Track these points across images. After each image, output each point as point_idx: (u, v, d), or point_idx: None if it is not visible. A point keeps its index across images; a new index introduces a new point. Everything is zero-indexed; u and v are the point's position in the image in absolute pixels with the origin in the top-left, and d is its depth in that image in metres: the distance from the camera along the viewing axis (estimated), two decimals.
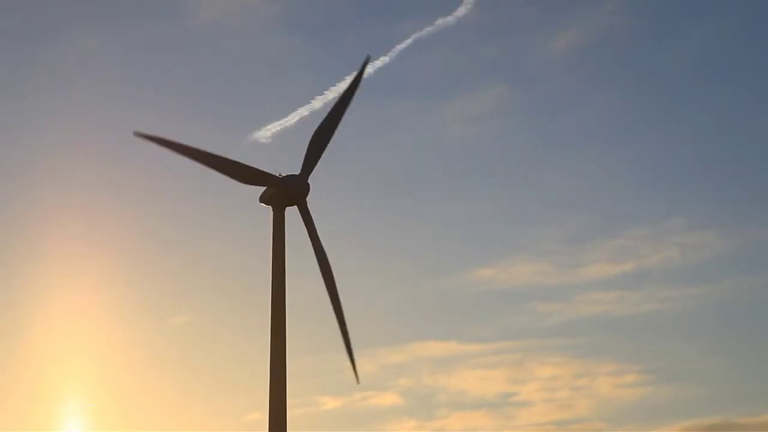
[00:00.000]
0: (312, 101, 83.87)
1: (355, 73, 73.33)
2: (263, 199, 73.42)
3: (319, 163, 73.50)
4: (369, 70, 75.20)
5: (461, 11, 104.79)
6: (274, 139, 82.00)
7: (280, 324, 70.48)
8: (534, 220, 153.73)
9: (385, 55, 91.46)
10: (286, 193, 72.62)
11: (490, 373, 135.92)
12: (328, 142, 73.60)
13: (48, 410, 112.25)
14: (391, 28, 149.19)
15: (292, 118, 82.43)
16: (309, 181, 73.24)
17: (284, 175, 72.86)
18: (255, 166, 71.56)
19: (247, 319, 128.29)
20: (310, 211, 73.21)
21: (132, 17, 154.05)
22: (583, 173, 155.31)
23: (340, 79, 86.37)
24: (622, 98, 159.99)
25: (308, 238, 72.81)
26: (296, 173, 73.00)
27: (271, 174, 72.22)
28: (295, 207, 73.11)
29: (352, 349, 71.76)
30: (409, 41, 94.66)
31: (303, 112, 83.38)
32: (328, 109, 73.89)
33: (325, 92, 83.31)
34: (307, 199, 73.19)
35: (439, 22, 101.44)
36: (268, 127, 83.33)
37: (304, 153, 73.25)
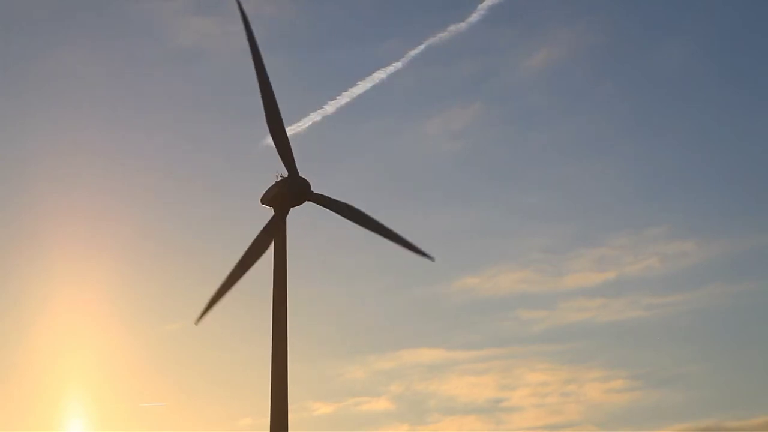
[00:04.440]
0: (324, 107, 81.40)
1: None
2: (265, 201, 70.59)
3: (311, 176, 71.08)
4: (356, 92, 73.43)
5: (445, 34, 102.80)
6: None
7: (281, 328, 67.63)
8: (517, 230, 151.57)
9: (368, 76, 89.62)
10: (287, 195, 69.80)
11: (480, 379, 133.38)
12: (285, 133, 70.23)
13: (47, 410, 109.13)
14: (373, 51, 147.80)
15: (304, 123, 79.72)
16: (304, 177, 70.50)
17: (282, 176, 70.19)
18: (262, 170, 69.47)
19: (243, 324, 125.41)
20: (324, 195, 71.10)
21: (119, 37, 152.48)
22: (565, 185, 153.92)
23: (353, 84, 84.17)
24: (598, 113, 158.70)
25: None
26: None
27: (274, 217, 69.99)
28: (297, 209, 70.33)
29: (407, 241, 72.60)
30: (396, 62, 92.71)
31: (315, 117, 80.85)
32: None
33: (338, 97, 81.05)
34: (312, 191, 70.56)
35: (422, 43, 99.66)
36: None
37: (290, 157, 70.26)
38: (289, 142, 70.13)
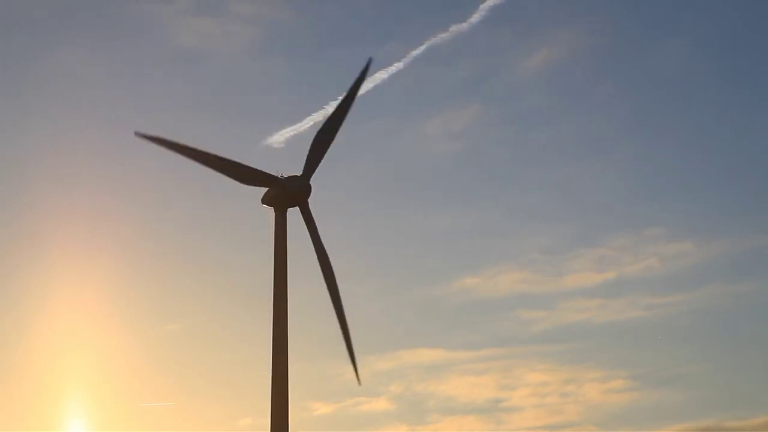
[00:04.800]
0: (325, 107, 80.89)
1: (356, 78, 70.28)
2: (265, 200, 69.70)
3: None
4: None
5: (446, 34, 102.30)
6: (287, 144, 78.77)
7: (282, 328, 66.92)
8: (516, 230, 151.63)
9: (369, 76, 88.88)
10: (287, 194, 68.92)
11: (480, 379, 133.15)
12: (329, 143, 69.98)
13: (47, 410, 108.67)
14: (374, 52, 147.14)
15: (306, 123, 79.07)
16: (311, 183, 69.45)
17: (286, 176, 69.24)
18: (265, 170, 68.13)
19: (242, 324, 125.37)
20: (312, 213, 69.63)
21: (119, 37, 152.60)
22: (564, 185, 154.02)
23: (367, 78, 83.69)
24: (598, 113, 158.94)
25: (309, 239, 69.31)
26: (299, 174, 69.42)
27: (271, 175, 68.77)
28: (297, 208, 69.43)
29: (353, 350, 68.52)
30: (396, 63, 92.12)
31: (316, 117, 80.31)
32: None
33: (339, 97, 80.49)
34: (308, 200, 69.60)
35: (422, 44, 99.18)
36: (282, 132, 79.86)
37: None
38: (326, 152, 69.61)
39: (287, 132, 79.10)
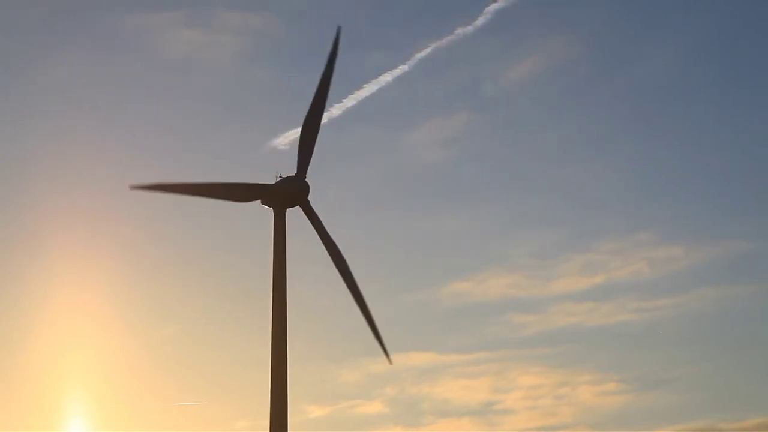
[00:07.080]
0: (330, 109, 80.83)
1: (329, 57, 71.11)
2: (264, 201, 69.64)
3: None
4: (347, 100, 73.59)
5: (433, 46, 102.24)
6: (291, 146, 78.64)
7: (281, 329, 66.55)
8: (505, 236, 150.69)
9: (358, 88, 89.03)
10: (286, 195, 69.18)
11: (473, 382, 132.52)
12: (315, 137, 69.91)
13: (47, 410, 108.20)
14: (360, 63, 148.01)
15: None
16: (308, 181, 69.97)
17: (283, 177, 69.47)
18: (268, 171, 68.69)
19: (241, 325, 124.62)
20: (314, 209, 69.94)
21: (107, 51, 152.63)
22: (553, 191, 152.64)
23: (359, 87, 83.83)
24: (586, 120, 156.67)
25: (315, 236, 69.44)
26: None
27: (262, 185, 69.21)
28: (298, 208, 69.67)
29: (379, 332, 70.86)
30: (385, 73, 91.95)
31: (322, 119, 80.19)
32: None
33: (344, 100, 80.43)
34: (309, 198, 69.89)
35: (420, 49, 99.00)
36: (287, 134, 79.84)
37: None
38: (314, 145, 69.87)
39: (292, 134, 79.13)
